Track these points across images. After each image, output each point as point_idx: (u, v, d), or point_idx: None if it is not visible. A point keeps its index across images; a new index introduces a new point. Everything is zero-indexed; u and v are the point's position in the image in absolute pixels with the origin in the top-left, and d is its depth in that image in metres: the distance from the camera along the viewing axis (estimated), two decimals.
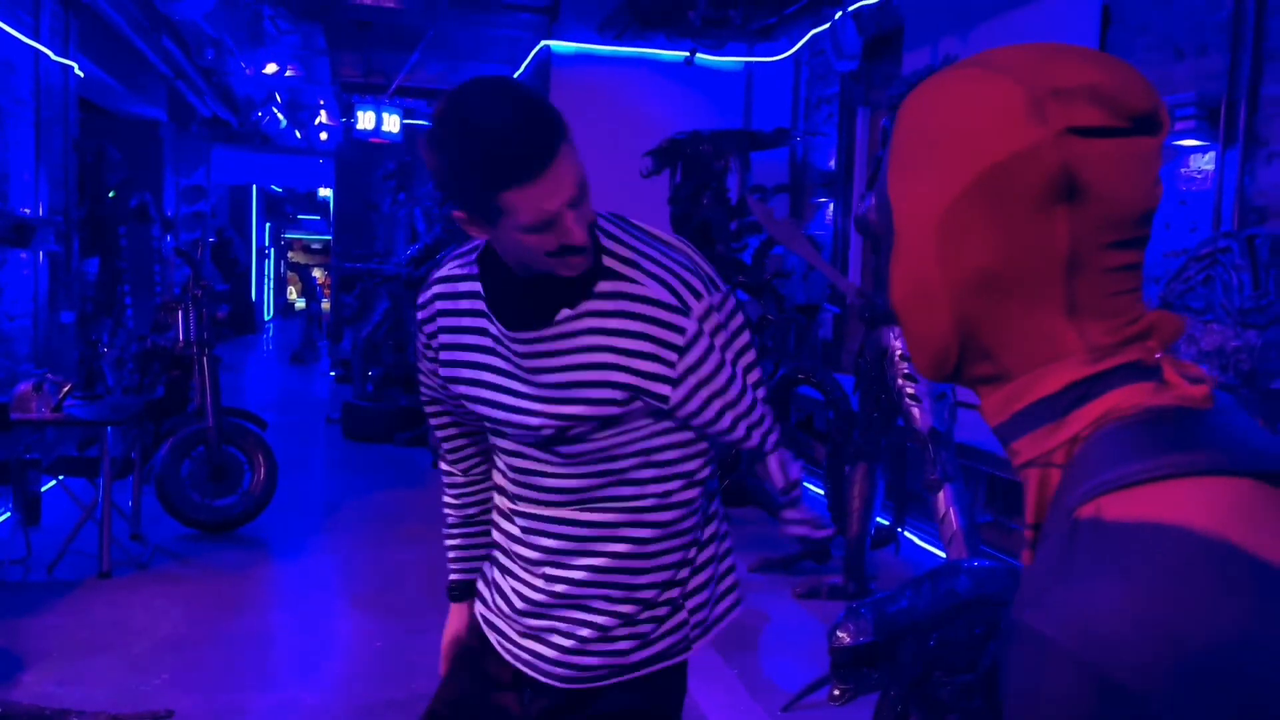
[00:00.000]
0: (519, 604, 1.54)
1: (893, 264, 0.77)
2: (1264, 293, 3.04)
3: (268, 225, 19.40)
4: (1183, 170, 4.10)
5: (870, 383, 4.38)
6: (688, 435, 1.47)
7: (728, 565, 1.64)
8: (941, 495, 3.89)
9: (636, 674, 1.54)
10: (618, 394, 1.39)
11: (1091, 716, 0.57)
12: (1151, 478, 0.62)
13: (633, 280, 1.39)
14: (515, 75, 8.86)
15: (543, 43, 7.52)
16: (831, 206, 7.18)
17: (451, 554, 1.71)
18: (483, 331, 1.45)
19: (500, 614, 1.58)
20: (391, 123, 10.66)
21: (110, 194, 7.16)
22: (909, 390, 4.10)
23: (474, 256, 1.49)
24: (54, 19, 5.85)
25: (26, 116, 5.60)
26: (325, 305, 17.20)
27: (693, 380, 1.40)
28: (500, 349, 1.43)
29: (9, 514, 4.69)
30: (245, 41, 7.48)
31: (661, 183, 6.06)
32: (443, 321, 1.50)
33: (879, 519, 4.68)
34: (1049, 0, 4.89)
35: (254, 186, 16.23)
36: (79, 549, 4.60)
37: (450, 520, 1.70)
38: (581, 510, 1.47)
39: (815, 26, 7.05)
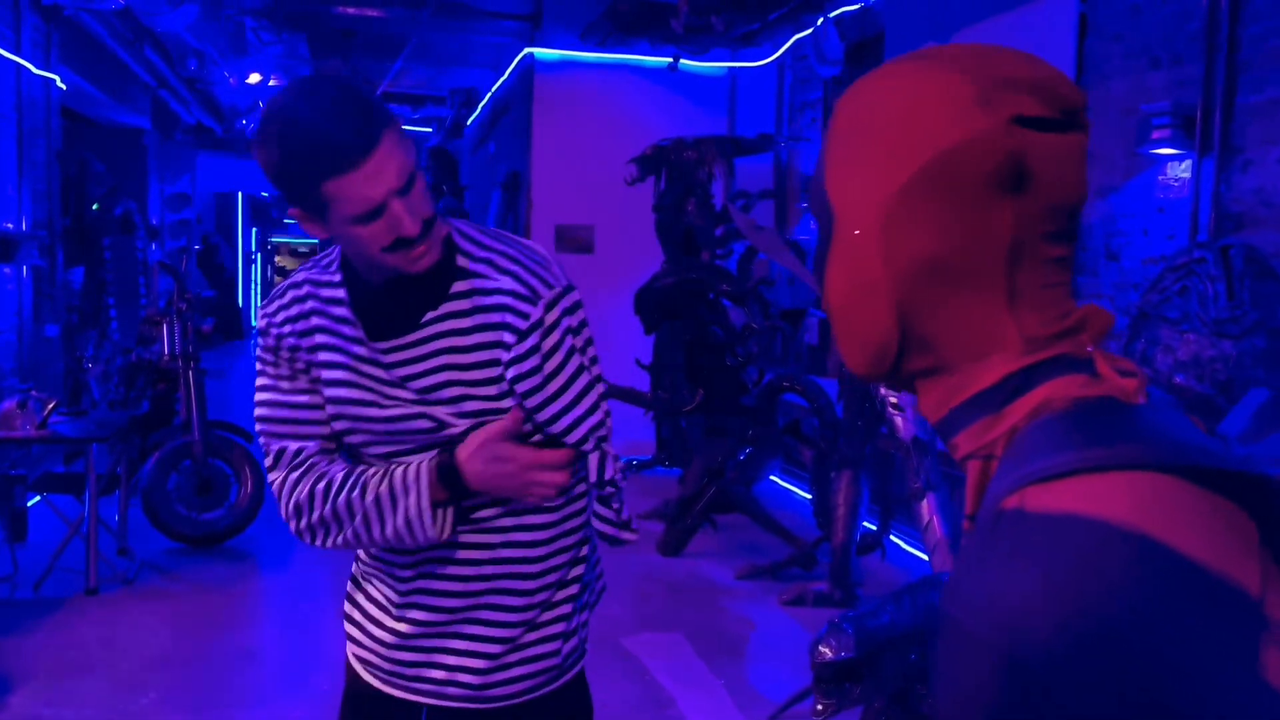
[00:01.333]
0: (414, 629, 1.51)
1: (829, 261, 0.77)
2: (1238, 303, 3.07)
3: (254, 230, 19.35)
4: (1160, 178, 4.14)
5: (854, 390, 4.42)
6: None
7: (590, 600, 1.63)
8: (925, 504, 3.92)
9: (547, 689, 1.54)
10: (478, 389, 1.42)
11: (1001, 696, 0.59)
12: (1076, 470, 0.63)
13: (485, 277, 1.42)
14: (499, 82, 8.87)
15: (526, 50, 7.53)
16: None
17: (378, 482, 1.44)
18: (357, 340, 1.43)
19: (390, 648, 1.53)
20: None
21: (94, 206, 7.15)
22: (892, 399, 4.13)
23: (335, 264, 1.47)
24: (35, 32, 5.84)
25: (8, 131, 5.59)
26: None
27: (532, 362, 1.40)
28: (374, 356, 1.43)
29: None
30: (228, 51, 7.48)
31: (646, 189, 6.08)
32: (318, 321, 1.45)
33: (865, 524, 4.71)
34: (1026, 8, 4.93)
35: (240, 192, 16.19)
36: (65, 565, 4.60)
37: (348, 487, 1.45)
38: (472, 515, 1.46)
39: (798, 32, 7.08)
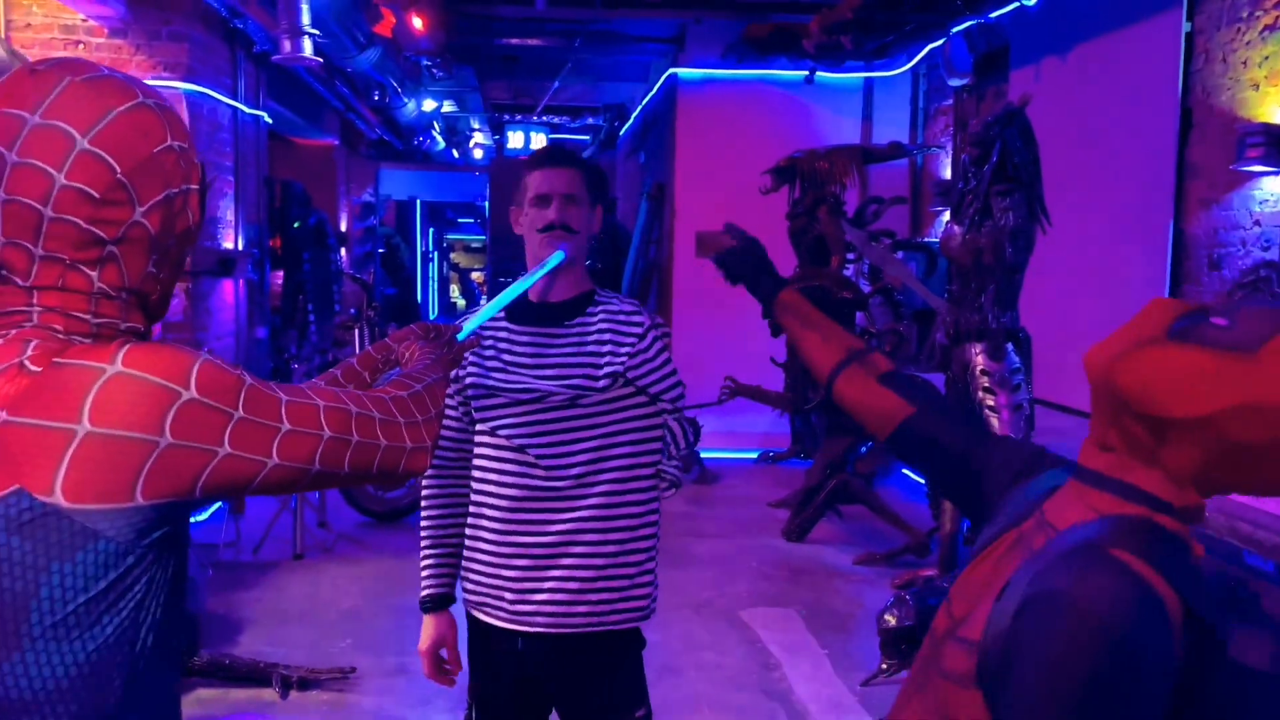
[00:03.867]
0: (513, 570, 2.01)
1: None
2: None
3: (431, 230, 20.67)
4: (1255, 193, 4.33)
5: (957, 393, 4.78)
6: (636, 414, 2.05)
7: (654, 566, 2.15)
8: None
9: (604, 628, 2.04)
10: (591, 370, 2.02)
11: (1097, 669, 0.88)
12: (1156, 564, 0.93)
13: (611, 304, 2.11)
14: (646, 98, 9.46)
15: (670, 70, 8.08)
16: (947, 214, 7.47)
17: (428, 570, 2.11)
18: (499, 339, 2.06)
19: (494, 589, 2.03)
20: (538, 141, 11.47)
21: (295, 224, 8.15)
22: (989, 402, 4.49)
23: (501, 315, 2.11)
24: (247, 77, 6.80)
25: (227, 165, 6.57)
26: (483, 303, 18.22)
27: (644, 355, 2.04)
28: (509, 345, 2.05)
29: (219, 504, 5.62)
30: (406, 83, 8.34)
31: (782, 198, 6.48)
32: (481, 349, 2.10)
33: None
34: (1137, 26, 5.13)
35: (418, 199, 17.43)
36: (277, 535, 5.49)
37: (428, 539, 2.12)
38: (555, 475, 1.99)
39: (930, 43, 7.36)
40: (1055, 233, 4.54)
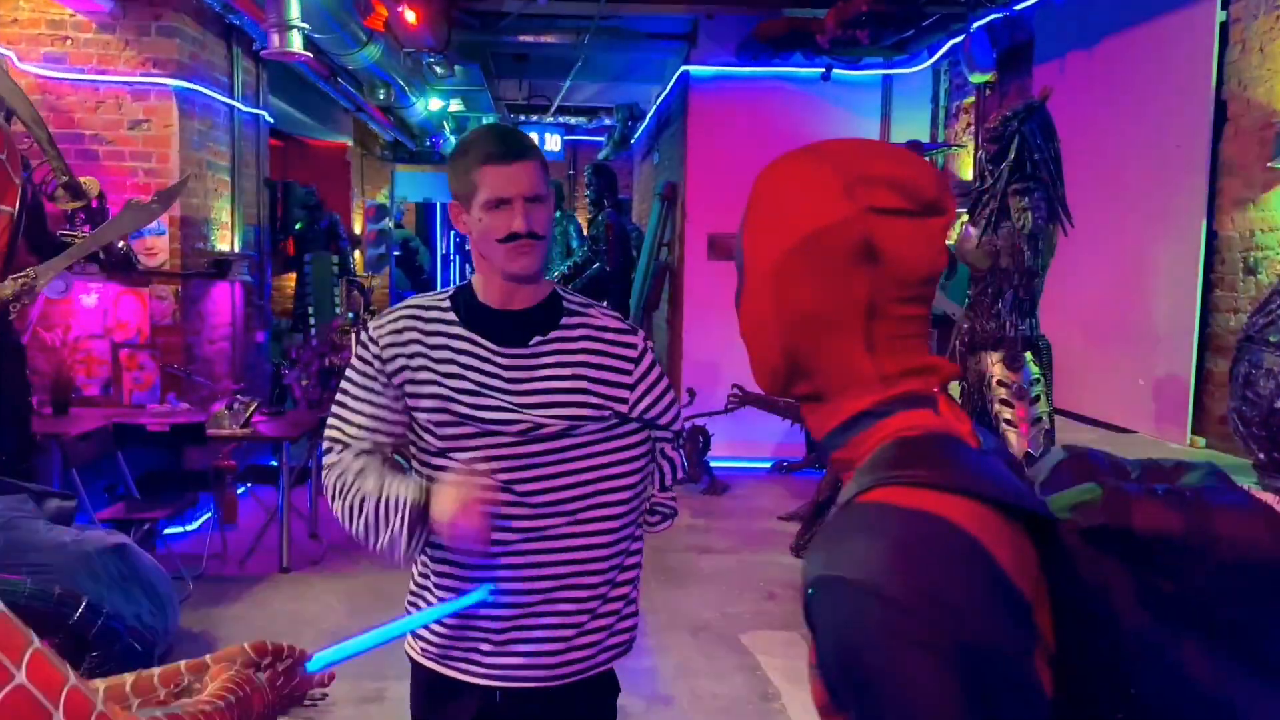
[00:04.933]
0: (493, 621, 1.74)
1: (741, 300, 0.98)
2: None
3: (452, 233, 20.55)
4: None
5: (972, 404, 4.50)
6: (631, 441, 1.81)
7: (635, 595, 1.90)
8: None
9: (594, 672, 1.81)
10: (590, 399, 1.76)
11: (869, 627, 0.75)
12: (927, 483, 0.80)
13: (592, 316, 1.84)
14: (659, 96, 9.24)
15: (682, 68, 7.84)
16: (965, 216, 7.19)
17: (395, 496, 1.71)
18: (472, 349, 1.76)
19: (464, 641, 1.77)
20: (553, 142, 11.27)
21: (298, 225, 8.00)
22: (1005, 415, 4.22)
23: (445, 295, 1.84)
24: (246, 74, 6.63)
25: (224, 165, 6.40)
26: None
27: (645, 383, 1.82)
28: (481, 365, 1.75)
29: (210, 514, 5.44)
30: (411, 81, 8.16)
31: None
32: (419, 337, 1.77)
33: None
34: (1168, 17, 4.84)
35: (438, 201, 17.31)
36: (266, 546, 5.31)
37: (360, 483, 1.74)
38: (537, 507, 1.74)
39: (952, 38, 7.08)
40: (1078, 234, 4.25)
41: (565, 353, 1.77)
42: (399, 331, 1.78)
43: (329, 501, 1.81)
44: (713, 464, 7.22)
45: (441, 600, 1.78)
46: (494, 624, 1.75)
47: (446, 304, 1.81)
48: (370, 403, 1.78)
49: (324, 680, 1.27)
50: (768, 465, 7.78)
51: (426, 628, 1.80)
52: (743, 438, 7.46)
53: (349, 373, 1.81)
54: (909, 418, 0.89)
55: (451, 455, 1.74)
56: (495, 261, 1.74)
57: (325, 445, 1.83)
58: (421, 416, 1.75)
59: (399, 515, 1.69)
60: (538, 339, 1.77)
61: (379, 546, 1.73)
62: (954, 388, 4.54)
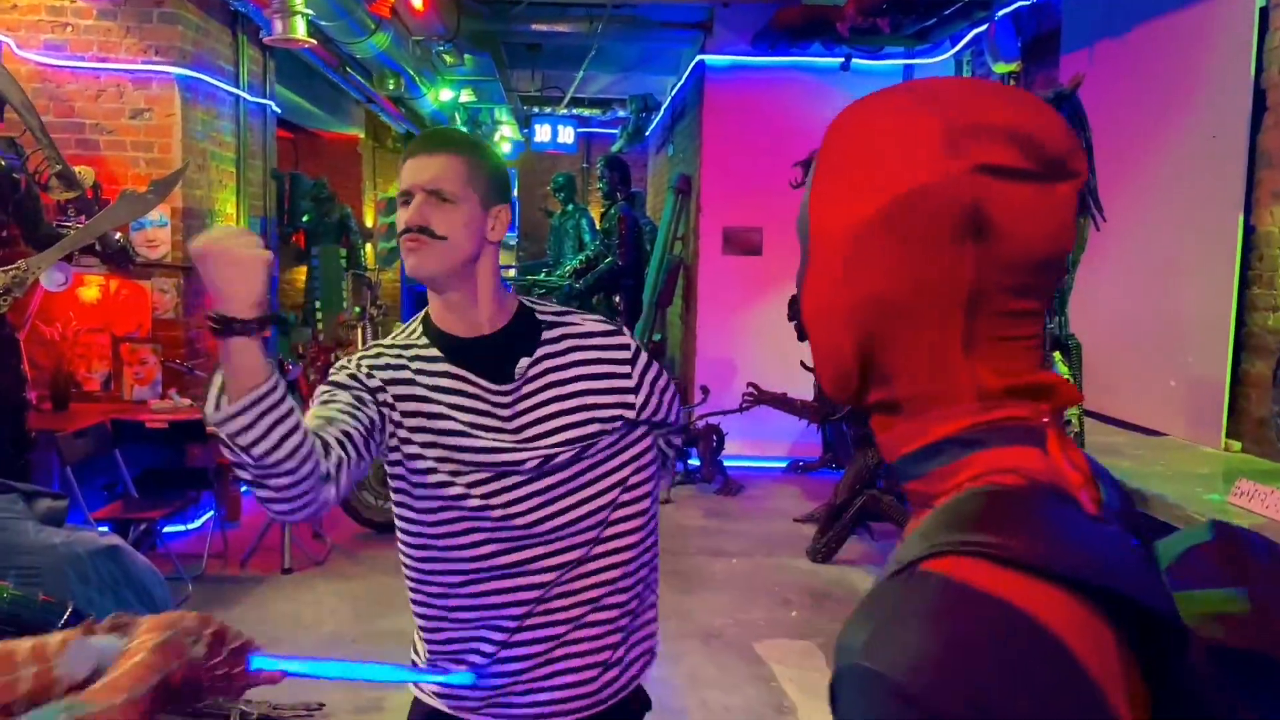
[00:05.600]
0: (522, 661, 1.59)
1: (805, 280, 0.77)
2: None
3: None
4: None
5: None
6: (642, 447, 1.68)
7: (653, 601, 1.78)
8: None
9: (630, 689, 1.69)
10: (597, 413, 1.62)
11: None
12: (1013, 560, 0.61)
13: (572, 324, 1.68)
14: (675, 86, 9.07)
15: (697, 57, 7.67)
16: None
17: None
18: (463, 386, 1.59)
19: (492, 689, 1.61)
20: (566, 134, 11.11)
21: (305, 218, 7.86)
22: None
23: (418, 331, 1.65)
24: (253, 64, 6.49)
25: (229, 156, 6.26)
26: None
27: (647, 383, 1.69)
28: (473, 402, 1.58)
29: (211, 513, 5.32)
30: (421, 71, 8.01)
31: None
32: (406, 375, 1.59)
33: None
34: (1203, 3, 4.64)
35: None
36: (269, 545, 5.18)
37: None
38: (562, 539, 1.59)
39: (974, 28, 6.88)
40: (1110, 229, 4.06)
41: (557, 369, 1.62)
42: (391, 369, 1.60)
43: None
44: (726, 463, 7.06)
45: (442, 654, 1.64)
46: (521, 664, 1.60)
47: (424, 340, 1.64)
48: (333, 401, 1.54)
49: (275, 679, 1.13)
50: (783, 465, 7.62)
51: (442, 676, 1.64)
52: (757, 436, 7.30)
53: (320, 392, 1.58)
54: (1007, 456, 0.69)
55: (456, 508, 1.56)
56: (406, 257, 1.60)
57: None
58: (421, 465, 1.56)
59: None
60: (524, 362, 1.61)
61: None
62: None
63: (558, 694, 1.62)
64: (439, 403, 1.57)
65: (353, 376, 1.58)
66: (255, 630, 4.07)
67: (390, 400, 1.56)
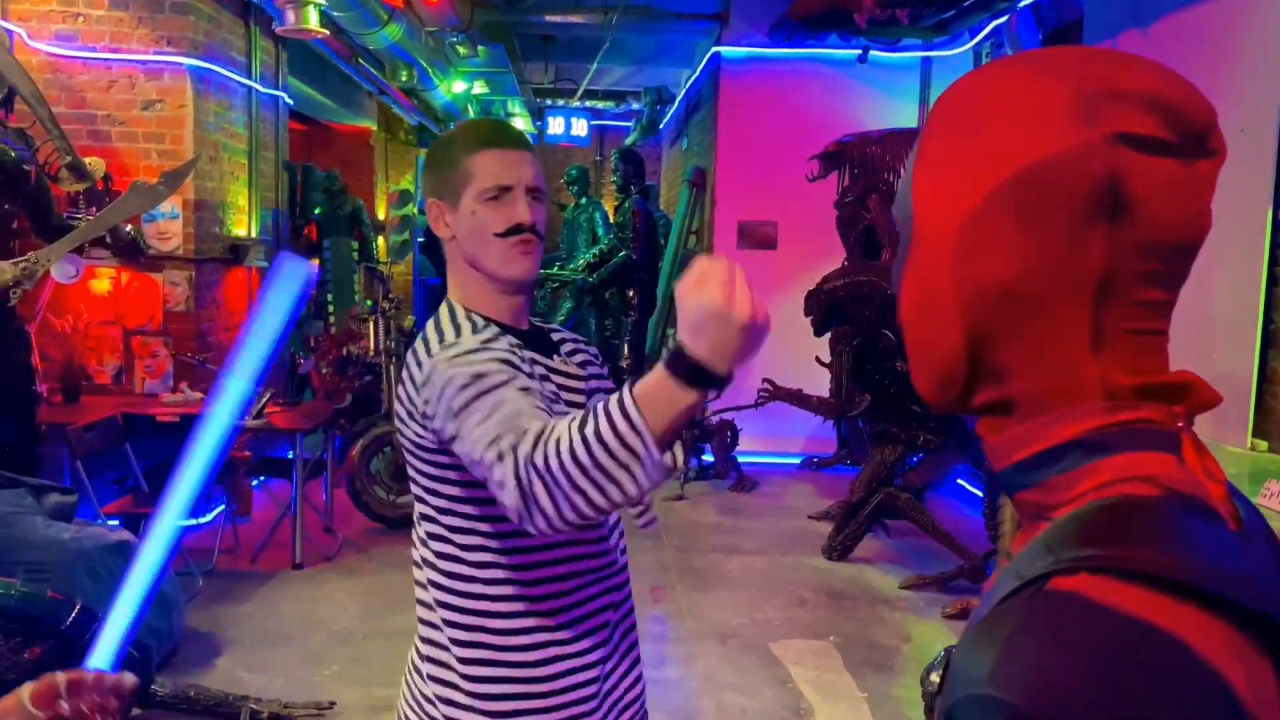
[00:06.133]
0: (592, 684, 1.50)
1: (905, 270, 0.70)
2: None
3: None
4: None
5: None
6: None
7: None
8: None
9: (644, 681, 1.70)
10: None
11: None
12: (1156, 579, 0.55)
13: (562, 329, 1.70)
14: (690, 78, 8.99)
15: (712, 49, 7.60)
16: None
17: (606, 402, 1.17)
18: (540, 377, 1.48)
19: (601, 696, 1.51)
20: (580, 126, 11.05)
21: (317, 210, 7.82)
22: None
23: (488, 326, 1.48)
24: (265, 55, 6.44)
25: (241, 147, 6.22)
26: None
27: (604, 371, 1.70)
28: (567, 387, 1.55)
29: (223, 507, 5.28)
30: (434, 63, 7.96)
31: (832, 185, 6.01)
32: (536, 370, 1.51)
33: None
34: None
35: None
36: (280, 540, 5.14)
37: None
38: (618, 543, 1.60)
39: (994, 19, 6.78)
40: None
41: (587, 364, 1.63)
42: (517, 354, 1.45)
43: (554, 504, 1.15)
44: (741, 459, 6.99)
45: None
46: (617, 680, 1.55)
47: (496, 330, 1.47)
48: (523, 385, 1.33)
49: (134, 682, 0.98)
50: (798, 461, 7.55)
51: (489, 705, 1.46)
52: (772, 432, 7.23)
53: (458, 378, 1.32)
54: (1140, 462, 0.62)
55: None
56: (489, 265, 1.46)
57: (493, 457, 1.21)
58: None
59: (632, 401, 1.12)
60: (567, 347, 1.63)
61: (637, 479, 1.12)
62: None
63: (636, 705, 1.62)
64: (546, 382, 1.48)
65: (507, 363, 1.36)
66: (264, 626, 4.02)
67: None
